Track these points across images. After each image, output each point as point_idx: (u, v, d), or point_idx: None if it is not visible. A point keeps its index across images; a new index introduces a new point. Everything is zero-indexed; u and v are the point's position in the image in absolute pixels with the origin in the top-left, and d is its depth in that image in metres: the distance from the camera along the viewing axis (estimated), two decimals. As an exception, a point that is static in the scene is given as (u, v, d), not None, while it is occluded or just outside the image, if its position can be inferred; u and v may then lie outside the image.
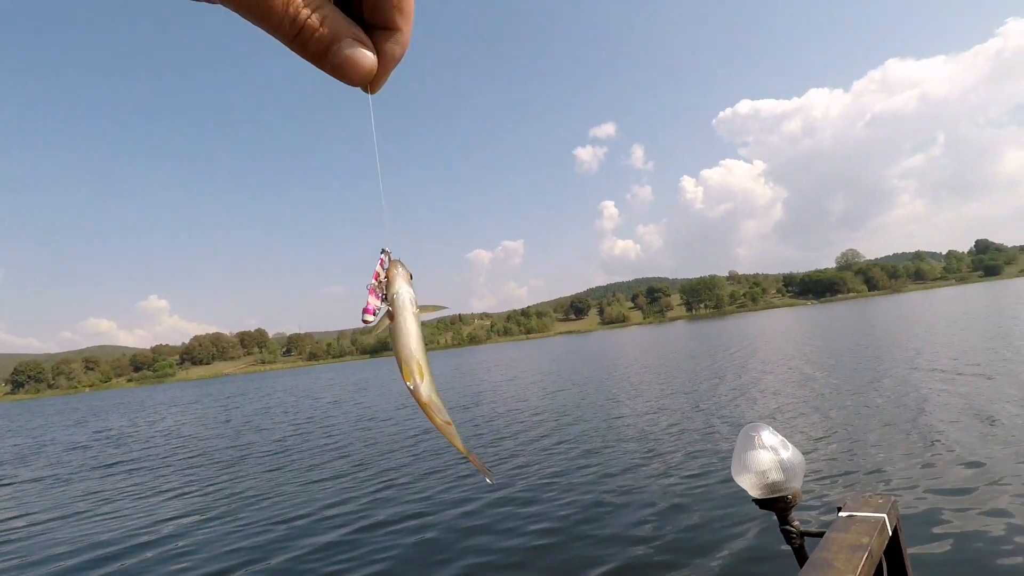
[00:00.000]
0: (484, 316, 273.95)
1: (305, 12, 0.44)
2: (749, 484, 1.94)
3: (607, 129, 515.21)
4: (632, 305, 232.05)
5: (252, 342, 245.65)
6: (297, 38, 0.44)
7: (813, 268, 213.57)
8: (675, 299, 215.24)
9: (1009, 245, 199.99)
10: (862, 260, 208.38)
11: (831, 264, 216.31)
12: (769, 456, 1.90)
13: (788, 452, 1.92)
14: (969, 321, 27.10)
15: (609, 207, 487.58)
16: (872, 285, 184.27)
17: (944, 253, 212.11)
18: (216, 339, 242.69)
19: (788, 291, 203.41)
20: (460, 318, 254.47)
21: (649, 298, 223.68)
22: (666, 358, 28.39)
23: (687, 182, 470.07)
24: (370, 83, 0.49)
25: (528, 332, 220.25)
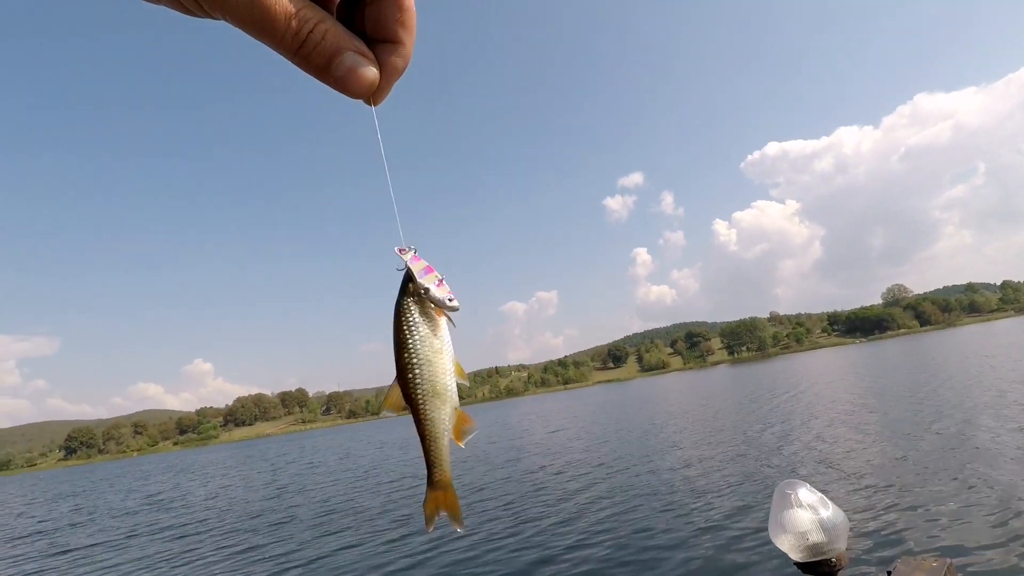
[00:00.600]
0: (521, 368, 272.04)
1: (308, 26, 0.45)
2: (788, 546, 1.81)
3: (635, 178, 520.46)
4: (671, 351, 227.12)
5: (293, 402, 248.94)
6: (300, 51, 0.45)
7: (858, 305, 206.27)
8: (716, 343, 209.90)
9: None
10: (910, 295, 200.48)
11: (877, 300, 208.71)
12: (808, 516, 1.76)
13: (828, 511, 1.78)
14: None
15: (642, 254, 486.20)
16: (924, 320, 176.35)
17: (999, 283, 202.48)
18: (258, 400, 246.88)
19: (834, 330, 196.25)
20: (497, 371, 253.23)
21: (688, 343, 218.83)
22: (707, 405, 27.60)
23: (719, 225, 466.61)
24: (373, 95, 0.50)
25: (566, 382, 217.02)
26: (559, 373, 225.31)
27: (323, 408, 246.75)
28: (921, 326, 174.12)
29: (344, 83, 0.47)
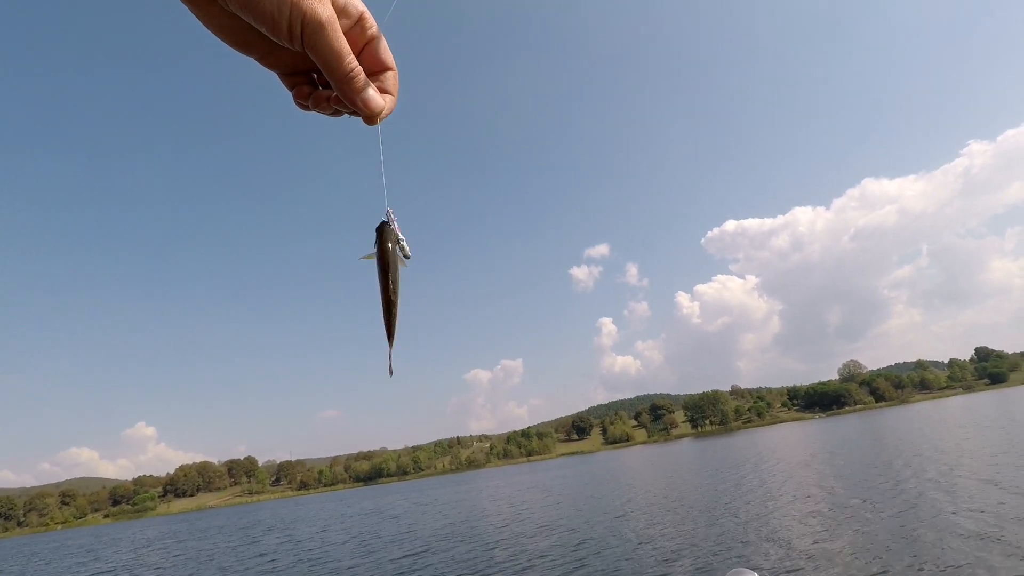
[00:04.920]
0: (483, 438, 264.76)
1: (355, 63, 0.70)
2: None
3: (601, 249, 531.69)
4: (636, 423, 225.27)
5: (240, 471, 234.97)
6: (346, 80, 0.70)
7: (817, 379, 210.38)
8: (679, 416, 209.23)
9: (1010, 352, 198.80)
10: (864, 371, 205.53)
11: (834, 375, 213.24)
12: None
13: None
14: (989, 432, 25.77)
15: (607, 324, 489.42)
16: (879, 396, 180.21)
17: (946, 361, 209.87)
18: (203, 468, 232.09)
19: (794, 404, 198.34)
20: (459, 441, 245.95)
21: (653, 415, 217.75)
22: (667, 482, 26.67)
23: (682, 297, 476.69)
24: (379, 116, 0.76)
25: (529, 454, 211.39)
26: (523, 444, 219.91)
27: (273, 478, 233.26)
28: (876, 402, 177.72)
29: (366, 105, 0.73)
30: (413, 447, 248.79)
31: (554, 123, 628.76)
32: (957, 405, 74.95)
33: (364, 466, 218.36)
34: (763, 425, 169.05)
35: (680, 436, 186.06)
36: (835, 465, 22.58)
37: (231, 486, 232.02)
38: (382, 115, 0.76)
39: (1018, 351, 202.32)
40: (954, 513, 10.33)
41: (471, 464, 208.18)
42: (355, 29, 0.72)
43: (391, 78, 0.79)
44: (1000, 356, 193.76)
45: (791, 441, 48.03)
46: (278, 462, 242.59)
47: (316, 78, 0.78)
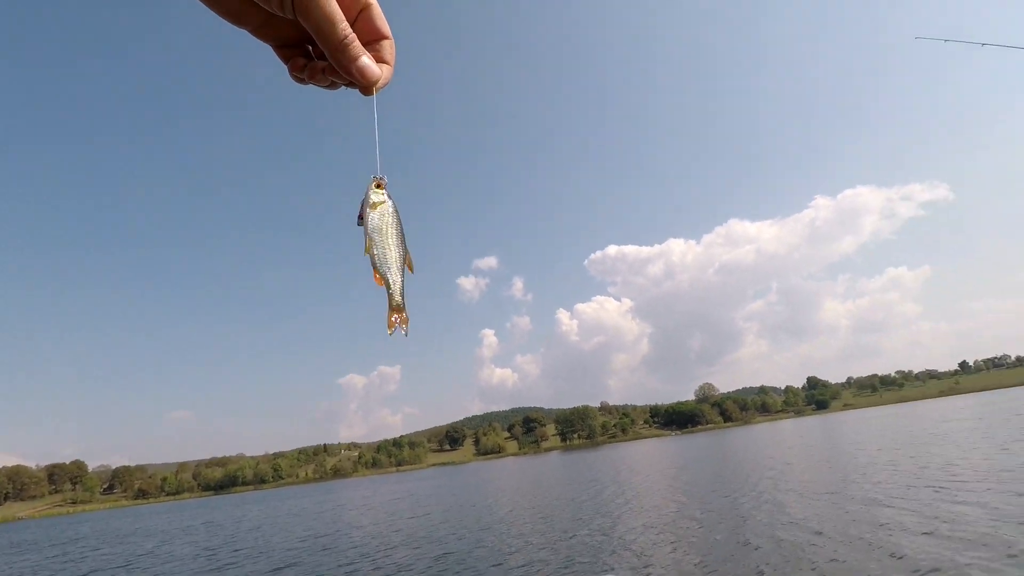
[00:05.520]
0: (352, 446, 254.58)
1: (349, 31, 0.69)
2: None
3: (490, 261, 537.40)
4: (508, 435, 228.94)
5: (65, 477, 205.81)
6: (340, 48, 0.69)
7: (676, 400, 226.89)
8: (550, 429, 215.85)
9: (833, 382, 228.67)
10: (717, 393, 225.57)
11: (691, 396, 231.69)
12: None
13: None
14: (812, 451, 29.02)
15: (489, 336, 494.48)
16: (727, 417, 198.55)
17: (783, 388, 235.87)
18: (14, 473, 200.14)
19: (654, 422, 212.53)
20: (325, 448, 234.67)
21: (525, 428, 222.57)
22: (535, 494, 27.03)
23: (563, 315, 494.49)
24: (376, 86, 0.75)
25: (399, 464, 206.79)
26: (393, 454, 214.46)
27: (105, 486, 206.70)
28: (724, 422, 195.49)
29: (362, 74, 0.72)
30: (275, 454, 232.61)
31: (460, 133, 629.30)
32: (788, 428, 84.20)
33: (216, 473, 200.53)
34: (626, 440, 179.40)
35: (549, 449, 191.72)
36: (685, 480, 24.14)
37: (51, 494, 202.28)
38: (379, 85, 0.75)
39: (839, 382, 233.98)
40: (783, 524, 11.25)
41: (337, 473, 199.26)
42: None
43: (387, 47, 0.78)
44: (825, 385, 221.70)
45: (649, 456, 51.07)
46: (113, 467, 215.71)
47: (311, 50, 0.77)
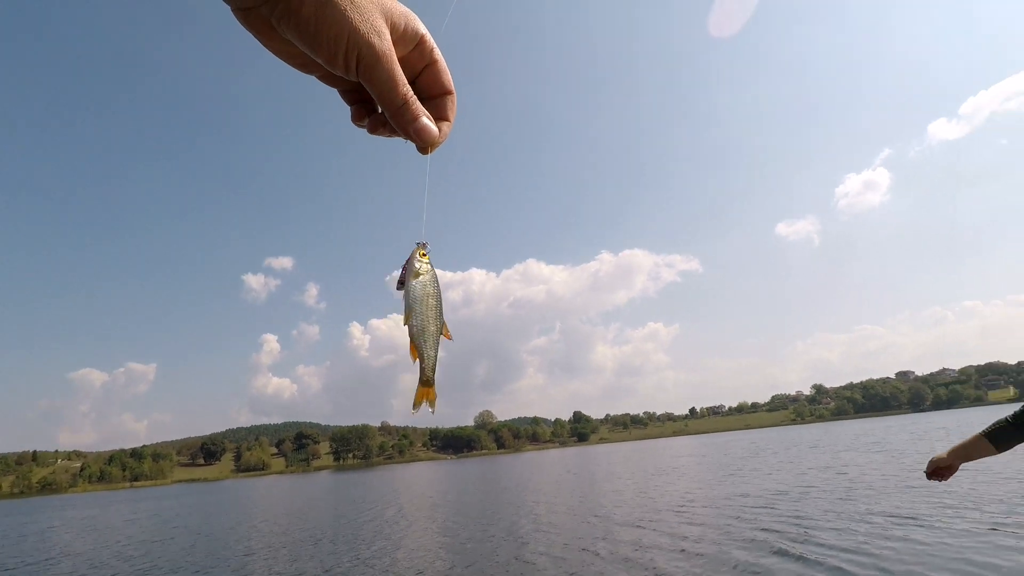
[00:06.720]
0: (75, 455, 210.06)
1: (409, 91, 0.71)
2: None
3: (284, 261, 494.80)
4: (276, 451, 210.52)
5: None
6: (400, 109, 0.71)
7: (457, 424, 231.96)
8: (324, 447, 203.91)
9: (594, 417, 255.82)
10: (495, 420, 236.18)
11: (471, 422, 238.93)
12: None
13: None
14: (572, 478, 31.16)
15: (271, 341, 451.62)
16: (501, 443, 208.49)
17: (553, 420, 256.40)
18: None
19: (433, 445, 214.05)
20: (34, 456, 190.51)
21: (296, 444, 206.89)
22: (290, 519, 24.46)
23: (356, 328, 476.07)
24: (433, 145, 0.76)
25: (135, 479, 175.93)
26: (130, 466, 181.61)
27: None
28: (498, 448, 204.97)
29: (419, 135, 0.73)
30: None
31: (270, 118, 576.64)
32: (554, 456, 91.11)
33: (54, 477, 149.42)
34: (403, 462, 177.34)
35: (320, 468, 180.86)
36: (459, 503, 24.02)
37: None
38: (435, 144, 0.76)
39: (599, 417, 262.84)
40: (560, 544, 11.39)
41: (46, 488, 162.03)
42: (413, 54, 0.73)
43: (449, 102, 0.79)
44: (588, 420, 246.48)
45: (423, 479, 50.56)
46: None
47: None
